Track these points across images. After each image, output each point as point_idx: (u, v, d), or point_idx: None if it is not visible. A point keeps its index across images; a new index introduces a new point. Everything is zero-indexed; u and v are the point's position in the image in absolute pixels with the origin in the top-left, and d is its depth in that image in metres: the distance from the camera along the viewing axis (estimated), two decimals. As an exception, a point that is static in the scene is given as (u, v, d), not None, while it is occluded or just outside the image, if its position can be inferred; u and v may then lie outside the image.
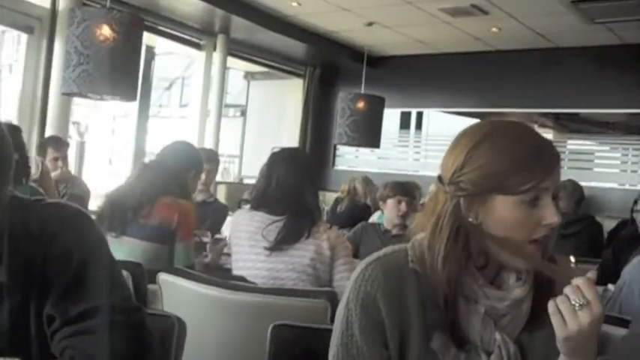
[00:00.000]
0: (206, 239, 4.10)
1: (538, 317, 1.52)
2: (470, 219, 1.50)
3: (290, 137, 10.20)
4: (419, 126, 10.32)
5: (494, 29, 7.90)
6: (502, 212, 1.47)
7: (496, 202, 1.47)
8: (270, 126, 10.75)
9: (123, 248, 3.24)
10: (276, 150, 3.43)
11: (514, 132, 1.54)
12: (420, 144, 10.24)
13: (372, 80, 9.12)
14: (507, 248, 1.48)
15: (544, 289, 1.55)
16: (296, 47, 9.09)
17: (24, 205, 1.53)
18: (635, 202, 7.13)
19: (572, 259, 4.21)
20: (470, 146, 1.51)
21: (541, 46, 8.45)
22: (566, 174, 8.51)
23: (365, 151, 9.78)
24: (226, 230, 4.76)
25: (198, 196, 5.22)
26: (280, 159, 3.32)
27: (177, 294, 2.79)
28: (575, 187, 6.31)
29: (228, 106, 12.15)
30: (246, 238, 3.18)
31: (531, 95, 8.74)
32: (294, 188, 3.18)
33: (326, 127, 9.93)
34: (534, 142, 1.50)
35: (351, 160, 10.49)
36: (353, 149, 10.04)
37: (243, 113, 11.33)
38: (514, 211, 1.46)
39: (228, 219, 5.13)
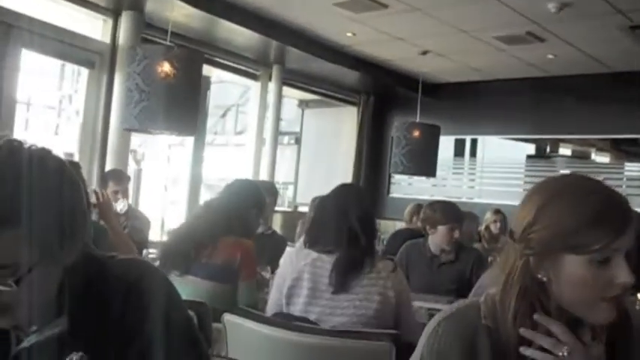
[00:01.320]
0: (267, 275, 4.12)
1: None
2: (539, 276, 1.49)
3: (344, 165, 10.24)
4: (473, 153, 10.28)
5: (549, 56, 7.85)
6: (572, 271, 1.46)
7: (565, 261, 1.46)
8: (325, 153, 10.79)
9: (187, 287, 3.27)
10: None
11: (585, 190, 1.52)
12: (475, 171, 10.19)
13: (427, 108, 9.13)
14: (578, 307, 1.48)
15: (618, 345, 1.55)
16: (350, 76, 9.14)
17: (99, 262, 1.53)
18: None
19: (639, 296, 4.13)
20: (540, 203, 1.50)
21: (597, 71, 8.36)
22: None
23: (420, 179, 9.76)
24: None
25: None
26: (327, 195, 3.34)
27: (242, 334, 2.81)
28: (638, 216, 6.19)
29: (282, 133, 12.22)
30: (307, 279, 3.16)
31: (587, 121, 8.68)
32: (343, 223, 3.17)
33: (380, 155, 9.96)
34: (605, 201, 1.48)
35: (406, 187, 10.48)
36: (407, 177, 10.03)
37: (298, 141, 11.39)
38: (584, 271, 1.45)
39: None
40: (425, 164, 8.06)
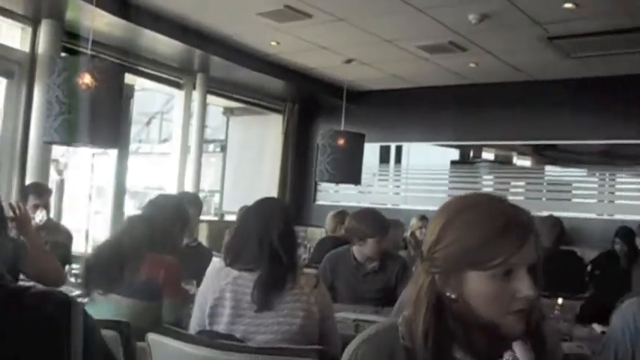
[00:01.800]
0: (192, 289, 4.07)
1: None
2: (447, 293, 1.51)
3: (270, 173, 10.23)
4: (398, 159, 10.37)
5: (471, 64, 8.00)
6: (476, 287, 1.49)
7: (470, 277, 1.49)
8: (251, 161, 10.75)
9: (110, 306, 3.22)
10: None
11: (484, 207, 1.56)
12: (400, 177, 10.28)
13: (352, 115, 9.18)
14: (486, 322, 1.50)
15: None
16: (275, 84, 9.13)
17: (13, 293, 1.46)
18: (616, 234, 7.23)
19: (559, 301, 4.22)
20: (443, 222, 1.53)
21: (518, 79, 8.56)
22: (544, 205, 8.73)
23: (346, 186, 9.79)
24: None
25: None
26: (247, 210, 3.32)
27: (167, 353, 2.77)
28: (555, 222, 6.32)
29: (207, 141, 12.13)
30: (229, 298, 3.13)
31: (509, 127, 8.86)
32: (263, 240, 3.15)
33: (306, 162, 9.99)
34: (506, 217, 1.51)
35: (333, 194, 10.50)
36: (333, 184, 10.05)
37: (223, 148, 11.33)
38: (487, 286, 1.47)
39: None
40: (350, 172, 8.08)
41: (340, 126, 8.66)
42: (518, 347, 1.52)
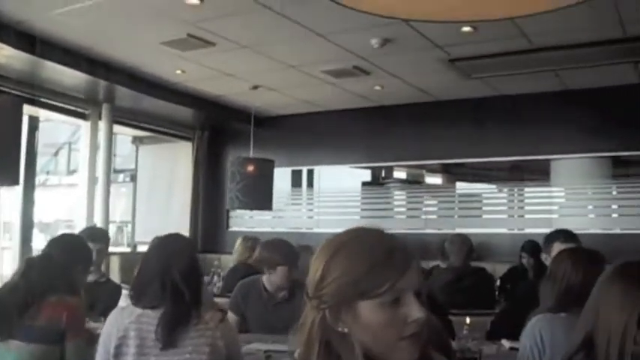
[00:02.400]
0: (99, 327, 3.97)
1: None
2: (339, 329, 1.51)
3: (182, 201, 10.12)
4: (310, 183, 10.38)
5: (377, 87, 8.09)
6: (367, 317, 1.49)
7: (359, 308, 1.49)
8: (162, 190, 10.61)
9: (10, 353, 3.13)
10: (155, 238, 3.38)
11: (365, 238, 1.58)
12: (313, 201, 10.29)
13: (262, 141, 9.20)
14: (382, 351, 1.51)
15: None
16: (183, 112, 9.06)
17: None
18: (522, 248, 7.39)
19: (467, 320, 4.27)
20: (327, 258, 1.54)
21: (424, 100, 8.71)
22: (456, 222, 8.87)
23: (259, 211, 9.72)
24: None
25: (89, 277, 5.10)
26: (152, 247, 3.29)
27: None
28: (463, 240, 6.42)
29: (117, 171, 11.97)
30: (134, 337, 3.08)
31: (417, 147, 8.99)
32: (165, 278, 3.12)
33: (218, 189, 9.92)
34: (386, 246, 1.54)
35: (247, 220, 10.44)
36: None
37: (133, 178, 11.17)
38: (378, 315, 1.48)
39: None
40: (261, 198, 8.06)
41: (250, 152, 8.65)
42: None
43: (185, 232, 9.53)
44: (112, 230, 9.86)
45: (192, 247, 3.49)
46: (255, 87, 8.11)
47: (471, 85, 7.87)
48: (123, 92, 7.98)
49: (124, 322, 3.09)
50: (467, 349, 4.52)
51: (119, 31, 6.29)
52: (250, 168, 7.96)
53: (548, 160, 8.52)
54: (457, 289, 5.98)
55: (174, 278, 3.10)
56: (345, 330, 1.51)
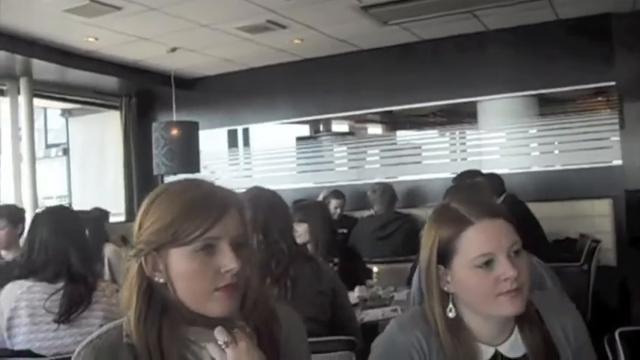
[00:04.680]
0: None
1: None
2: (157, 278, 1.50)
3: (115, 171, 9.98)
4: (247, 142, 10.33)
5: (296, 41, 7.99)
6: (180, 265, 1.48)
7: (173, 257, 1.48)
8: (94, 162, 10.48)
9: None
10: (39, 210, 3.32)
11: (181, 186, 1.57)
12: (250, 159, 10.23)
13: (188, 104, 9.10)
14: (196, 302, 1.49)
15: (265, 338, 1.58)
16: (106, 80, 8.89)
17: None
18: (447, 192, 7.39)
19: (375, 268, 4.26)
20: (144, 208, 1.54)
21: (346, 50, 8.61)
22: (399, 170, 8.86)
23: (200, 174, 9.60)
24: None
25: (7, 256, 5.03)
26: (42, 221, 3.22)
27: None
28: (384, 188, 6.45)
29: (51, 145, 11.77)
30: (25, 307, 3.03)
31: (343, 98, 8.92)
32: (59, 252, 3.07)
33: (148, 156, 9.79)
34: (201, 192, 1.53)
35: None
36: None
37: (66, 152, 10.99)
38: (190, 263, 1.47)
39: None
40: (187, 161, 7.98)
41: (174, 117, 8.55)
42: (219, 332, 1.50)
43: (121, 201, 9.44)
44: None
45: (81, 225, 3.43)
46: (174, 49, 7.96)
47: (391, 32, 7.79)
48: (39, 65, 7.78)
49: (16, 294, 3.05)
50: (377, 297, 4.54)
51: (18, 0, 6.11)
52: (174, 132, 7.87)
53: (474, 103, 8.54)
54: (380, 236, 6.00)
55: (67, 250, 3.07)
56: (162, 280, 1.49)
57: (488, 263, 1.68)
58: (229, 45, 7.94)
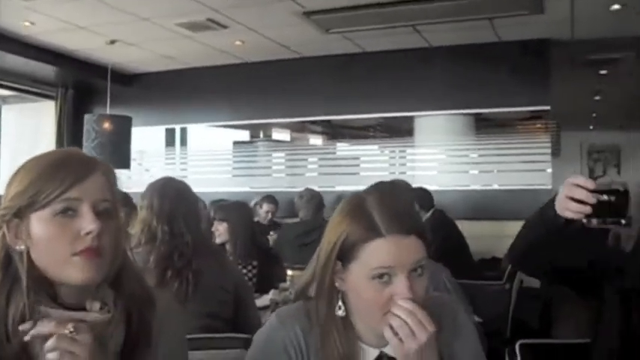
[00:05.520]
0: None
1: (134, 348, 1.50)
2: (18, 247, 1.44)
3: (47, 162, 9.74)
4: (184, 142, 10.26)
5: (237, 42, 7.93)
6: (39, 229, 1.43)
7: (33, 222, 1.44)
8: (27, 151, 10.19)
9: None
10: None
11: (47, 153, 1.55)
12: (187, 160, 10.14)
13: (125, 99, 8.97)
14: (54, 267, 1.44)
15: (135, 320, 1.52)
16: (42, 68, 8.67)
17: None
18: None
19: (289, 272, 4.18)
20: (9, 178, 1.50)
21: (288, 56, 8.60)
22: (337, 180, 8.83)
23: (136, 172, 9.47)
24: None
25: None
26: None
27: None
28: (313, 194, 6.42)
29: (-17, 133, 11.48)
30: None
31: (283, 104, 8.88)
32: None
33: (80, 149, 9.63)
34: (63, 155, 1.52)
35: (125, 181, 10.15)
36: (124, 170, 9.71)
37: (-2, 139, 10.72)
38: (49, 226, 1.43)
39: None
40: (117, 156, 7.82)
41: (107, 110, 8.41)
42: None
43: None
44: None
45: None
46: (113, 41, 7.83)
47: (333, 40, 7.78)
48: (-31, 48, 7.58)
49: None
50: (289, 300, 4.47)
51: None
52: (105, 125, 7.73)
53: (412, 118, 8.59)
54: (304, 243, 5.94)
55: None
56: (22, 247, 1.44)
57: (384, 277, 1.63)
58: (169, 41, 7.84)
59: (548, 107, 7.72)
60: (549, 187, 7.73)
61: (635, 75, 9.62)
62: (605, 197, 1.76)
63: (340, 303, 1.71)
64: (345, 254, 1.69)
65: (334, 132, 10.68)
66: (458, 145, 8.30)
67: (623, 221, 1.78)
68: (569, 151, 15.77)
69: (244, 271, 4.62)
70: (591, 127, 16.09)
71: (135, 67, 9.29)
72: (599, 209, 1.76)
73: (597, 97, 11.64)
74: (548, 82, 7.69)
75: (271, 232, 6.87)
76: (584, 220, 1.80)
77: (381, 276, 1.62)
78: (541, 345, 2.53)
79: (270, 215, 7.71)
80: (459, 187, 8.07)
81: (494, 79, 7.79)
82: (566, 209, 1.82)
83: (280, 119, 9.32)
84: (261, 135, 11.15)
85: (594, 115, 14.05)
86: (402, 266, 1.62)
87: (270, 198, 7.88)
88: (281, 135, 11.20)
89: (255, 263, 4.76)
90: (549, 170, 8.00)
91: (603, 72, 9.34)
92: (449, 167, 8.40)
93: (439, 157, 8.55)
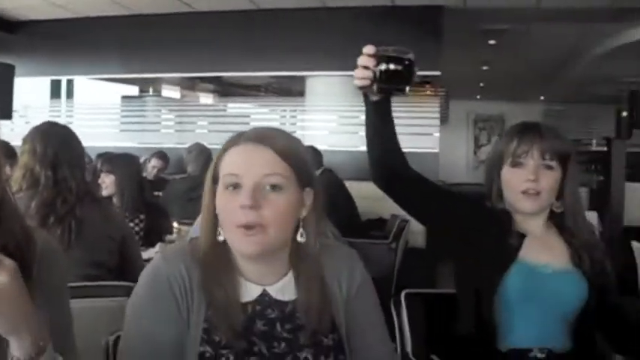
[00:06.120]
0: None
1: None
2: None
3: None
4: (70, 95, 9.94)
5: (127, -8, 7.70)
6: None
7: None
8: None
9: None
10: None
11: None
12: (73, 113, 9.84)
13: (8, 46, 8.62)
14: None
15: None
16: None
17: None
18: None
19: (175, 224, 4.12)
20: None
21: (180, 9, 8.37)
22: (225, 137, 8.73)
23: (20, 124, 9.04)
24: None
25: None
26: None
27: None
28: (202, 149, 6.35)
29: None
30: None
31: (174, 59, 8.68)
32: None
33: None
34: None
35: (7, 133, 9.75)
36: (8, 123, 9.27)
37: None
38: None
39: None
40: (-2, 105, 7.51)
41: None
42: None
43: None
44: None
45: None
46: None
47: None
48: None
49: None
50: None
51: None
52: (-15, 74, 7.38)
53: (304, 79, 8.59)
54: (192, 197, 5.87)
55: None
56: None
57: (235, 186, 1.61)
58: (57, -13, 7.52)
59: (438, 73, 7.83)
60: (436, 150, 7.88)
61: (523, 47, 9.90)
62: (390, 65, 1.77)
63: (220, 229, 1.66)
64: (215, 176, 1.67)
65: (225, 90, 10.62)
66: (348, 106, 8.34)
67: (407, 89, 1.80)
68: (456, 119, 16.17)
69: (131, 224, 4.53)
70: (478, 97, 16.49)
71: (21, 13, 8.84)
72: (385, 75, 1.77)
73: (485, 67, 11.91)
74: (440, 49, 7.80)
75: (156, 192, 6.72)
76: (374, 89, 1.82)
77: (234, 185, 1.60)
78: (425, 294, 2.59)
79: (156, 171, 7.58)
80: (348, 147, 8.11)
81: (388, 43, 7.81)
82: (356, 77, 1.87)
83: (171, 74, 9.16)
84: (151, 91, 10.95)
85: (482, 84, 14.39)
86: (249, 176, 1.60)
87: (160, 154, 7.75)
88: (171, 92, 11.04)
89: (142, 217, 4.68)
90: (437, 135, 8.16)
91: (492, 42, 9.54)
92: (339, 128, 8.45)
93: (329, 117, 8.58)
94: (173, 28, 8.56)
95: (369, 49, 1.80)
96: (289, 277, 1.72)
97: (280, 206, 1.60)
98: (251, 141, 1.66)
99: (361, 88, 1.93)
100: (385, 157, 2.18)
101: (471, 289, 2.21)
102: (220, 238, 1.67)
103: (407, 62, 1.77)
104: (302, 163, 1.69)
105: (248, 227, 1.57)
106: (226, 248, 1.68)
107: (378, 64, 1.80)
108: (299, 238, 1.69)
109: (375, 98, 1.97)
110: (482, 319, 2.16)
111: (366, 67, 1.82)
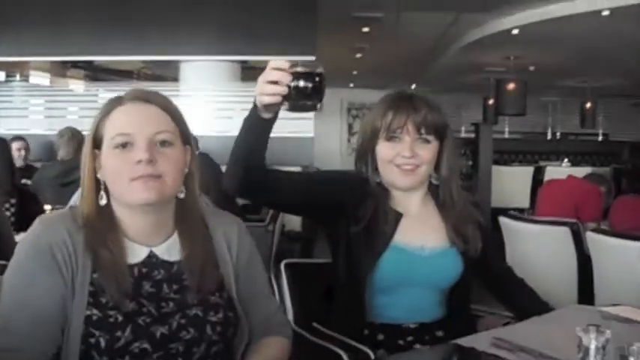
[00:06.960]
0: None
1: None
2: None
3: None
4: None
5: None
6: None
7: None
8: None
9: None
10: None
11: None
12: None
13: None
14: None
15: None
16: None
17: None
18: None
19: (47, 207, 4.01)
20: None
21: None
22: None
23: None
24: None
25: None
26: None
27: None
28: (74, 133, 6.17)
29: None
30: None
31: (42, 42, 8.39)
32: None
33: None
34: None
35: None
36: None
37: None
38: None
39: None
40: None
41: None
42: None
43: None
44: None
45: None
46: None
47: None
48: None
49: None
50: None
51: None
52: None
53: (178, 64, 8.50)
54: (65, 182, 5.72)
55: None
56: None
57: (125, 145, 1.60)
58: None
59: (313, 58, 7.89)
60: (312, 135, 7.96)
61: (395, 36, 10.08)
62: (301, 82, 1.76)
63: (102, 193, 1.65)
64: (97, 140, 1.65)
65: (96, 76, 10.40)
66: (223, 92, 8.32)
67: (318, 105, 1.80)
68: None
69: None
70: (352, 85, 16.71)
71: None
72: (296, 92, 1.76)
73: (359, 55, 12.05)
74: (314, 35, 7.86)
75: (24, 180, 6.48)
76: (284, 105, 1.79)
77: (123, 145, 1.61)
78: (304, 264, 2.63)
79: (23, 153, 7.29)
80: (223, 133, 8.07)
81: (264, 28, 7.83)
82: (264, 94, 1.77)
83: (39, 57, 8.83)
84: (18, 77, 10.59)
85: (355, 72, 14.57)
86: (142, 134, 1.61)
87: (18, 137, 7.48)
88: (40, 79, 10.68)
89: (13, 201, 4.53)
90: (312, 120, 8.24)
91: (366, 30, 9.66)
92: (214, 114, 8.41)
93: (204, 103, 8.53)
94: (42, 9, 8.27)
95: (279, 63, 1.72)
96: (174, 238, 1.73)
97: (172, 159, 1.64)
98: (138, 100, 1.67)
99: (267, 105, 1.80)
100: (250, 160, 2.07)
101: (345, 273, 2.22)
102: (103, 201, 1.65)
103: (317, 78, 1.74)
104: (183, 120, 1.73)
105: (147, 178, 1.59)
106: (109, 211, 1.67)
107: (292, 80, 1.73)
108: (180, 195, 1.71)
109: (267, 116, 1.87)
110: (357, 299, 2.17)
111: (274, 82, 1.74)
